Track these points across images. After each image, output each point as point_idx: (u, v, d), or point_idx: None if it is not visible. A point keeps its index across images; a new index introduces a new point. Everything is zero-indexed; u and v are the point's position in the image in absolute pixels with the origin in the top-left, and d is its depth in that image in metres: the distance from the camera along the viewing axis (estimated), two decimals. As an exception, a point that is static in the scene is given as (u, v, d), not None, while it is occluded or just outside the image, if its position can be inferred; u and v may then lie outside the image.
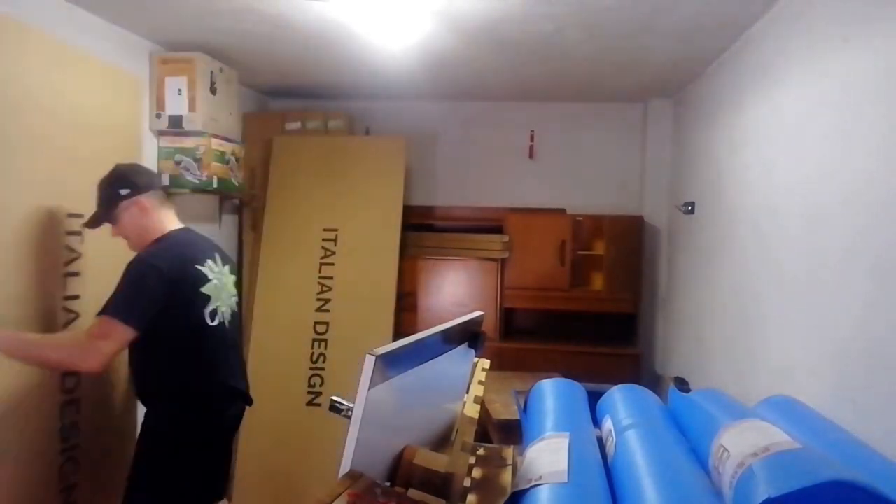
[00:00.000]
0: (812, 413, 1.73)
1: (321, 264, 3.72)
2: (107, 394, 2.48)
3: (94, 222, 2.09)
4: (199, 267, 2.03)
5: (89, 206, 2.22)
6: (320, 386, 3.58)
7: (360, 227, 3.78)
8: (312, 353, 3.63)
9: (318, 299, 3.68)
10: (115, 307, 1.85)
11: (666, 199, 4.01)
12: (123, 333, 1.84)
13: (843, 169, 1.80)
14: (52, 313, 2.21)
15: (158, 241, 2.04)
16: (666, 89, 3.79)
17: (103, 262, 2.39)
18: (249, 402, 2.26)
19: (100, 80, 2.48)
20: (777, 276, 2.23)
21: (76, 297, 2.30)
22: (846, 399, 1.69)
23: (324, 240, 3.75)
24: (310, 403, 3.56)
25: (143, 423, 2.10)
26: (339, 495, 1.15)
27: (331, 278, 3.70)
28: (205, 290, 2.02)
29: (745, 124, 2.65)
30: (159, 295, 1.89)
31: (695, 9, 2.41)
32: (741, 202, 2.64)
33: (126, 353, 2.03)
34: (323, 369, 3.61)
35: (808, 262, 1.99)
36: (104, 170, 2.17)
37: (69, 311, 2.28)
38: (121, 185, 2.04)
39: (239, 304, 2.27)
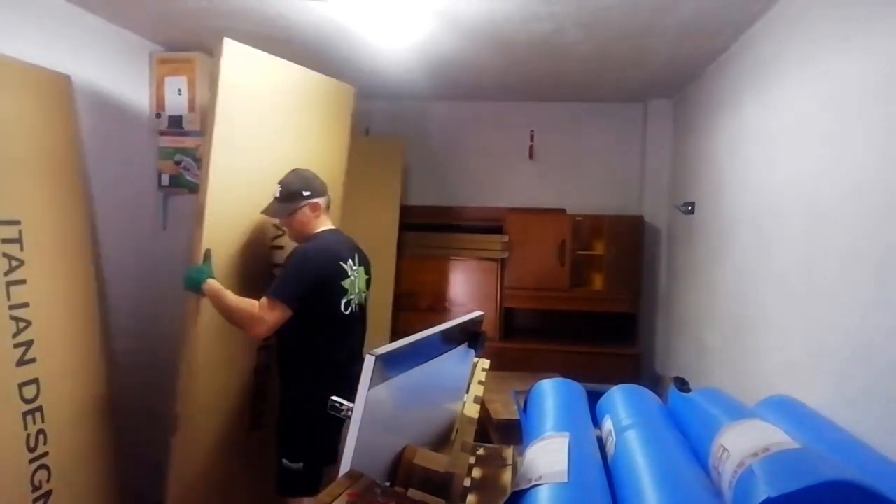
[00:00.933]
0: (812, 413, 1.73)
1: None
2: (73, 398, 2.44)
3: (272, 213, 2.39)
4: (342, 263, 2.33)
5: (23, 212, 2.22)
6: None
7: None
8: None
9: None
10: (278, 288, 2.20)
11: (666, 199, 4.01)
12: (282, 310, 2.18)
13: (842, 168, 1.80)
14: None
15: (315, 237, 2.36)
16: (666, 89, 3.79)
17: (49, 266, 2.37)
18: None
19: (21, 82, 2.34)
20: (777, 275, 2.23)
21: (24, 306, 2.26)
22: (846, 399, 1.69)
23: None
24: None
25: (281, 395, 2.41)
26: (339, 495, 1.15)
27: None
28: (344, 283, 2.32)
29: (745, 124, 2.65)
30: (311, 281, 2.23)
31: (695, 9, 2.41)
32: (741, 202, 2.64)
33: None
34: None
35: (808, 261, 1.99)
36: (37, 172, 2.22)
37: (19, 319, 2.24)
38: (305, 188, 2.36)
39: (367, 301, 2.53)
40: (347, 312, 2.36)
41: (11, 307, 2.22)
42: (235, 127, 2.35)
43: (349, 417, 1.23)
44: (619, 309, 3.94)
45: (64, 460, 2.38)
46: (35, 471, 2.27)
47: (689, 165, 3.53)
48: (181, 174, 3.13)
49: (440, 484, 1.31)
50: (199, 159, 3.12)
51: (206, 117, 2.44)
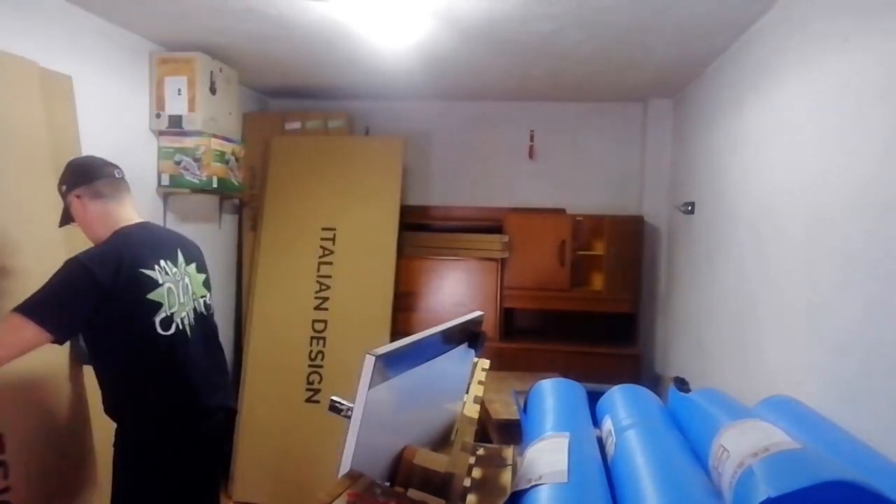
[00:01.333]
0: (812, 413, 1.73)
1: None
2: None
3: (61, 221, 1.98)
4: (144, 270, 1.80)
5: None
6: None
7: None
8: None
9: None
10: (33, 306, 1.66)
11: (666, 199, 4.01)
12: (34, 335, 1.65)
13: (842, 169, 1.80)
14: None
15: (109, 239, 1.85)
16: (666, 89, 3.79)
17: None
18: (229, 411, 2.08)
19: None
20: (777, 275, 2.23)
21: None
22: (846, 399, 1.69)
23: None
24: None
25: (115, 442, 1.91)
26: (339, 495, 1.15)
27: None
28: (153, 296, 1.80)
29: (745, 124, 2.65)
30: (88, 304, 1.71)
31: (695, 9, 2.41)
32: (741, 202, 2.64)
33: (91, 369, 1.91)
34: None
35: (807, 261, 1.99)
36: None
37: None
38: (62, 181, 1.93)
39: (210, 305, 2.06)
40: (171, 332, 1.84)
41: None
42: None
43: (349, 417, 1.23)
44: (618, 309, 3.94)
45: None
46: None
47: (689, 165, 3.53)
48: (181, 174, 3.13)
49: (440, 484, 1.31)
50: (198, 159, 3.12)
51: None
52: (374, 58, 3.16)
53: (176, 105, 3.09)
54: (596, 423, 1.88)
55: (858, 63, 1.75)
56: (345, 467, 1.21)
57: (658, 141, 4.04)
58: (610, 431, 1.70)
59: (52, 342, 1.70)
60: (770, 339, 2.26)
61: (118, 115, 2.92)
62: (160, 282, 1.84)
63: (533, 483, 1.37)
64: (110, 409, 1.89)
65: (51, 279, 1.71)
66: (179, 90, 3.08)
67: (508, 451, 1.59)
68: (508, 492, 1.36)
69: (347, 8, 2.50)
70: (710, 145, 3.13)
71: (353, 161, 3.88)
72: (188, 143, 3.12)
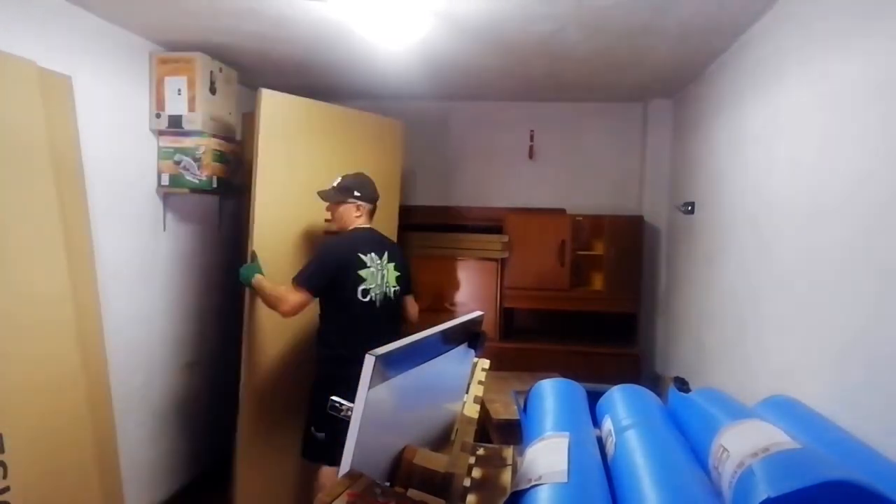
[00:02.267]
0: (812, 413, 1.73)
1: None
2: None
3: (324, 196, 2.83)
4: (362, 255, 2.71)
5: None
6: None
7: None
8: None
9: None
10: (299, 275, 2.63)
11: (666, 199, 4.00)
12: (303, 295, 2.60)
13: (842, 169, 1.80)
14: None
15: (348, 231, 2.79)
16: (666, 89, 3.79)
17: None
18: None
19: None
20: (777, 275, 2.23)
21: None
22: (846, 399, 1.69)
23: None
24: None
25: (316, 366, 2.79)
26: (339, 495, 1.15)
27: None
28: (362, 272, 2.69)
29: (744, 124, 2.65)
30: (327, 268, 2.66)
31: (695, 9, 2.41)
32: (741, 202, 2.64)
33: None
34: None
35: (807, 261, 1.99)
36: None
37: None
38: (357, 188, 2.79)
39: (398, 294, 2.84)
40: (366, 300, 2.71)
41: None
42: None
43: (349, 417, 1.23)
44: (618, 309, 3.94)
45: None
46: None
47: (689, 165, 3.53)
48: (181, 174, 3.13)
49: (440, 484, 1.31)
50: (198, 159, 3.12)
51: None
52: (374, 58, 3.16)
53: (176, 105, 3.08)
54: (596, 423, 1.88)
55: (858, 63, 1.75)
56: (345, 467, 1.21)
57: (658, 141, 4.04)
58: (610, 431, 1.70)
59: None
60: (770, 339, 2.26)
61: (118, 114, 2.91)
62: (368, 265, 2.72)
63: (533, 483, 1.37)
64: (320, 340, 2.78)
65: (312, 256, 2.75)
66: (179, 90, 3.07)
67: (508, 451, 1.59)
68: (508, 492, 1.36)
69: (347, 8, 2.50)
70: (710, 145, 3.13)
71: (353, 135, 3.54)
72: (188, 143, 3.12)
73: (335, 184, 2.81)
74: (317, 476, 2.79)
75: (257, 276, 2.76)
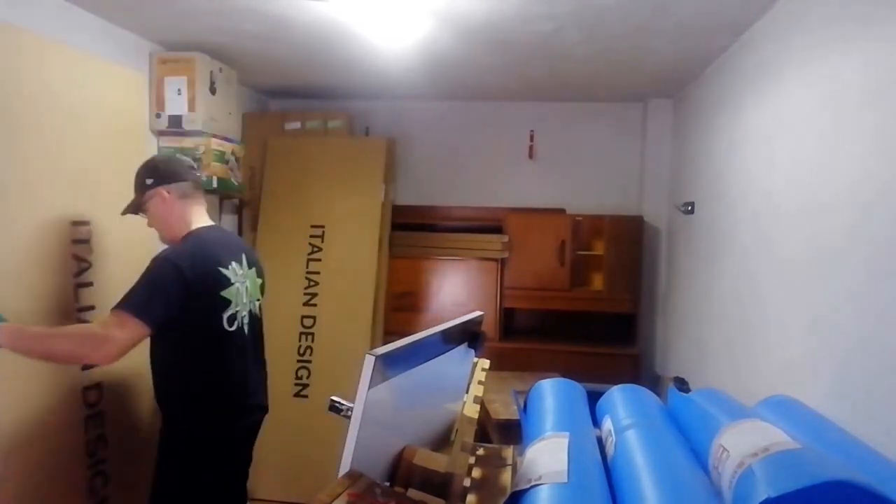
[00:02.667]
0: (812, 413, 1.73)
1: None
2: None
3: (127, 209, 2.07)
4: (222, 269, 1.96)
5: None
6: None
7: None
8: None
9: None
10: (131, 302, 1.80)
11: (666, 199, 4.00)
12: (137, 328, 1.78)
13: (843, 168, 1.80)
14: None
15: (185, 237, 1.99)
16: (666, 89, 3.79)
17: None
18: (265, 410, 2.21)
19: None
20: (777, 276, 2.23)
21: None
22: (846, 399, 1.69)
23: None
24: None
25: (161, 429, 2.03)
26: (339, 495, 1.15)
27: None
28: (225, 293, 1.96)
29: (744, 124, 2.65)
30: (177, 295, 1.84)
31: (695, 9, 2.41)
32: (741, 202, 2.64)
33: (148, 355, 1.98)
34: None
35: (807, 261, 1.99)
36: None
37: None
38: (147, 175, 2.02)
39: (260, 310, 2.19)
40: (233, 328, 1.98)
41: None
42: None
43: (349, 417, 1.23)
44: (618, 309, 3.94)
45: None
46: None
47: (689, 165, 3.53)
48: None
49: (440, 484, 1.31)
50: (198, 159, 3.12)
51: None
52: (374, 58, 3.16)
53: (176, 105, 3.09)
54: (596, 423, 1.88)
55: (858, 63, 1.75)
56: (345, 467, 1.21)
57: (658, 141, 4.04)
58: (610, 431, 1.70)
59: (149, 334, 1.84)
60: (770, 338, 2.26)
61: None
62: (231, 281, 1.98)
63: (533, 483, 1.37)
64: (162, 399, 2.02)
65: (142, 276, 1.86)
66: (179, 90, 3.07)
67: (508, 451, 1.59)
68: (508, 492, 1.36)
69: (347, 8, 2.50)
70: (710, 145, 3.13)
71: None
72: (188, 143, 3.12)
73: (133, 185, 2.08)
74: None
75: (5, 326, 1.76)
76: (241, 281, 2.04)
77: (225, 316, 1.96)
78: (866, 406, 1.60)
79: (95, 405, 2.26)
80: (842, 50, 1.84)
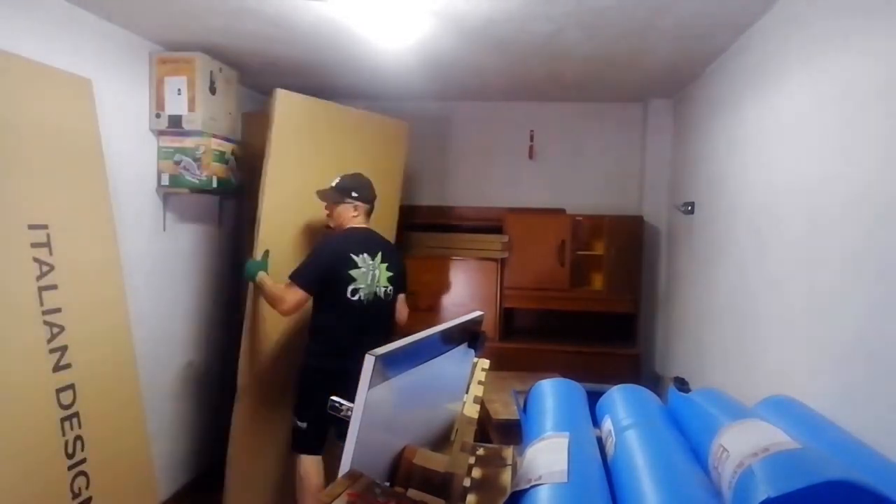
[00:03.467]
0: (812, 413, 1.73)
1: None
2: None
3: (321, 196, 2.89)
4: (354, 256, 2.76)
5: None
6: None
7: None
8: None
9: None
10: (297, 273, 2.68)
11: (666, 199, 4.01)
12: (299, 292, 2.66)
13: (843, 169, 1.80)
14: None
15: (343, 231, 2.83)
16: (666, 89, 3.79)
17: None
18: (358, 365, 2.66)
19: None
20: (777, 275, 2.23)
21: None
22: (846, 399, 1.69)
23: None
24: None
25: (300, 366, 2.86)
26: (339, 495, 1.15)
27: None
28: (352, 272, 2.74)
29: (744, 124, 2.65)
30: (320, 267, 2.71)
31: (694, 9, 2.41)
32: (741, 202, 2.64)
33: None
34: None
35: (807, 261, 1.99)
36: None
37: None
38: (354, 189, 2.84)
39: (390, 294, 2.88)
40: (354, 299, 2.76)
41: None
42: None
43: (349, 417, 1.23)
44: (618, 309, 3.94)
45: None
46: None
47: (689, 165, 3.53)
48: (181, 174, 3.13)
49: (440, 484, 1.31)
50: (198, 159, 3.12)
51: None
52: (374, 58, 3.16)
53: (176, 105, 3.08)
54: (596, 423, 1.88)
55: (859, 63, 1.75)
56: (345, 467, 1.21)
57: (658, 141, 4.04)
58: (610, 431, 1.70)
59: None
60: (770, 338, 2.26)
61: (118, 114, 2.91)
62: (359, 265, 2.77)
63: (533, 483, 1.37)
64: (308, 334, 2.86)
65: (308, 255, 2.79)
66: (179, 90, 3.07)
67: (508, 451, 1.59)
68: (508, 492, 1.36)
69: (347, 8, 2.50)
70: (710, 145, 3.14)
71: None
72: (188, 142, 3.12)
73: (333, 183, 2.87)
74: (297, 466, 2.82)
75: (261, 274, 2.82)
76: (368, 268, 2.79)
77: (349, 288, 2.74)
78: (866, 406, 1.60)
79: (70, 406, 2.26)
80: (842, 50, 1.84)
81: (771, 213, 2.31)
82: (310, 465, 2.82)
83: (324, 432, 2.82)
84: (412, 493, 1.29)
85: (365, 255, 2.80)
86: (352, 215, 2.85)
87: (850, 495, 1.06)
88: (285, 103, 2.98)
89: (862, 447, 1.47)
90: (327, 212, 2.92)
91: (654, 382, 3.81)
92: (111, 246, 2.61)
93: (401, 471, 1.34)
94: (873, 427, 1.53)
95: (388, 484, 1.32)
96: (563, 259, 3.88)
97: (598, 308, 3.97)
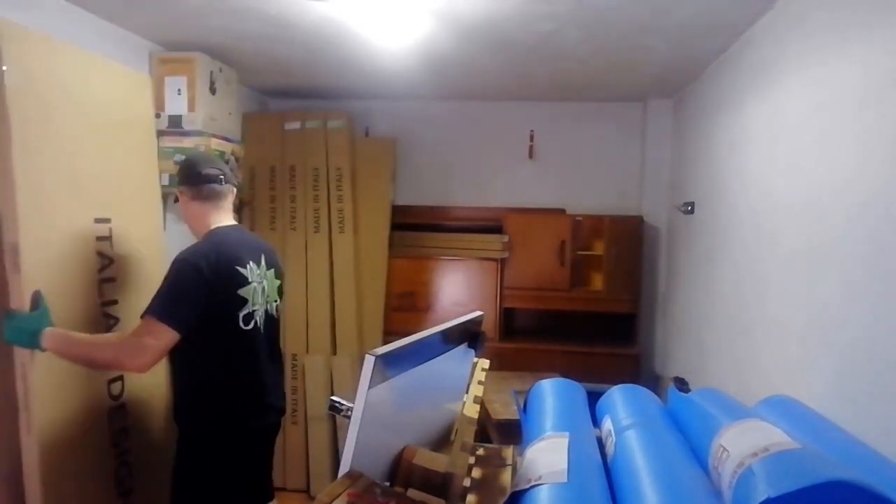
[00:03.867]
0: (812, 413, 1.73)
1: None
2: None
3: (175, 199, 2.20)
4: (239, 268, 1.98)
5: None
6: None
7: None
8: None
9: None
10: (158, 307, 1.84)
11: (666, 199, 4.01)
12: (166, 333, 1.82)
13: (843, 169, 1.80)
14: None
15: (206, 236, 2.04)
16: (666, 89, 3.79)
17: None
18: (282, 412, 2.21)
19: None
20: (776, 275, 2.23)
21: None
22: (846, 399, 1.69)
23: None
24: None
25: (178, 426, 2.05)
26: (339, 495, 1.15)
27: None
28: (242, 292, 1.97)
29: (744, 124, 2.65)
30: (199, 296, 1.87)
31: (694, 9, 2.41)
32: (741, 202, 2.64)
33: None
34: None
35: (807, 261, 1.99)
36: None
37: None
38: (183, 174, 2.13)
39: (279, 310, 2.20)
40: (249, 328, 1.99)
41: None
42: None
43: (349, 417, 1.23)
44: (618, 309, 3.94)
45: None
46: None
47: (689, 165, 3.53)
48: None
49: (440, 484, 1.31)
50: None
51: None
52: (374, 58, 3.16)
53: (176, 105, 3.08)
54: (596, 423, 1.88)
55: (858, 63, 1.75)
56: (345, 467, 1.21)
57: (658, 141, 4.04)
58: (610, 431, 1.70)
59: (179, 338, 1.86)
60: (770, 338, 2.26)
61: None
62: (249, 280, 2.00)
63: (533, 483, 1.37)
64: (178, 393, 2.04)
65: (165, 281, 1.88)
66: (179, 90, 3.07)
67: (508, 451, 1.59)
68: (508, 492, 1.36)
69: (347, 8, 2.50)
70: (710, 145, 3.14)
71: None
72: (188, 142, 3.11)
73: (175, 169, 2.25)
74: None
75: (50, 331, 1.87)
76: (258, 280, 2.05)
77: (241, 314, 1.97)
78: (866, 406, 1.60)
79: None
80: (842, 50, 1.84)
81: (771, 213, 2.31)
82: None
83: None
84: (412, 493, 1.30)
85: (251, 263, 2.04)
86: (200, 212, 2.07)
87: (849, 495, 1.06)
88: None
89: (862, 447, 1.47)
90: (181, 212, 2.18)
91: (654, 382, 3.81)
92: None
93: (401, 471, 1.34)
94: (873, 427, 1.53)
95: (388, 484, 1.32)
96: (563, 259, 3.88)
97: (598, 308, 3.97)
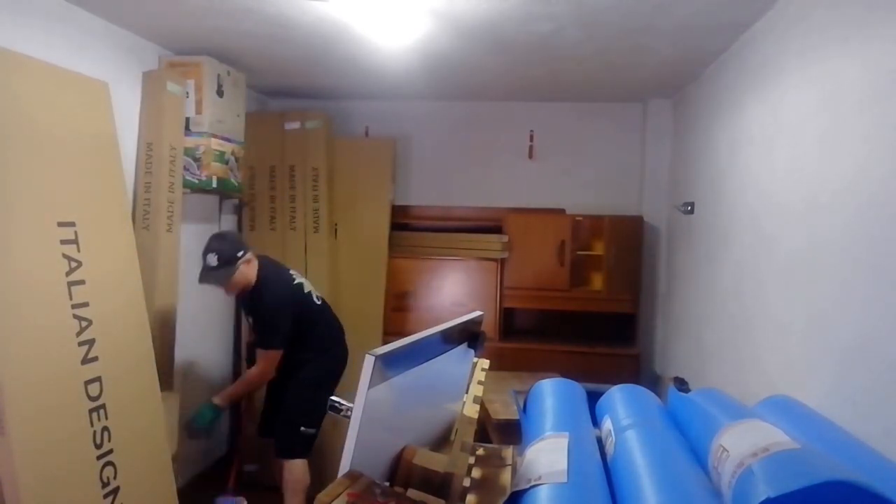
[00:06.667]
0: (812, 413, 1.73)
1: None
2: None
3: (213, 282, 2.74)
4: (293, 277, 2.96)
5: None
6: None
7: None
8: None
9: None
10: (267, 341, 2.80)
11: (666, 199, 4.00)
12: (277, 354, 2.80)
13: (843, 169, 1.80)
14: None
15: (259, 279, 2.80)
16: (666, 89, 3.79)
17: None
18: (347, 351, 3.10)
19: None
20: (776, 275, 2.23)
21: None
22: (846, 399, 1.69)
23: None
24: None
25: (292, 382, 2.92)
26: (339, 495, 1.15)
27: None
28: (303, 287, 2.97)
29: (744, 124, 2.65)
30: (290, 318, 2.81)
31: (694, 9, 2.41)
32: (741, 202, 2.64)
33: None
34: None
35: (807, 261, 1.99)
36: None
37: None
38: (238, 249, 2.74)
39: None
40: (319, 303, 3.00)
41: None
42: None
43: (349, 417, 1.23)
44: (618, 309, 3.94)
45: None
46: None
47: (689, 165, 3.53)
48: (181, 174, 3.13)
49: (440, 484, 1.31)
50: (198, 159, 3.13)
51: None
52: (374, 58, 3.16)
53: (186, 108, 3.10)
54: (595, 423, 1.88)
55: (858, 63, 1.75)
56: (345, 467, 1.21)
57: (657, 141, 4.04)
58: (609, 431, 1.70)
59: None
60: (770, 338, 2.26)
61: (126, 117, 2.91)
62: (297, 279, 2.97)
63: (532, 483, 1.37)
64: (293, 356, 2.88)
65: (266, 323, 2.81)
66: (187, 93, 3.08)
67: (508, 451, 1.59)
68: (508, 492, 1.36)
69: (347, 8, 2.50)
70: (710, 145, 3.14)
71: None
72: (188, 142, 3.12)
73: (214, 263, 2.70)
74: (288, 471, 2.87)
75: (218, 403, 2.85)
76: (301, 279, 2.99)
77: (313, 297, 2.97)
78: (866, 406, 1.60)
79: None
80: (842, 49, 1.84)
81: (770, 213, 2.31)
82: (304, 469, 2.90)
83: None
84: (412, 493, 1.30)
85: (292, 271, 3.00)
86: (250, 268, 2.79)
87: (849, 495, 1.06)
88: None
89: (862, 447, 1.47)
90: (231, 288, 2.81)
91: (653, 382, 3.81)
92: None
93: (400, 471, 1.34)
94: (873, 427, 1.53)
95: (387, 484, 1.32)
96: (563, 259, 3.88)
97: (597, 308, 3.97)
